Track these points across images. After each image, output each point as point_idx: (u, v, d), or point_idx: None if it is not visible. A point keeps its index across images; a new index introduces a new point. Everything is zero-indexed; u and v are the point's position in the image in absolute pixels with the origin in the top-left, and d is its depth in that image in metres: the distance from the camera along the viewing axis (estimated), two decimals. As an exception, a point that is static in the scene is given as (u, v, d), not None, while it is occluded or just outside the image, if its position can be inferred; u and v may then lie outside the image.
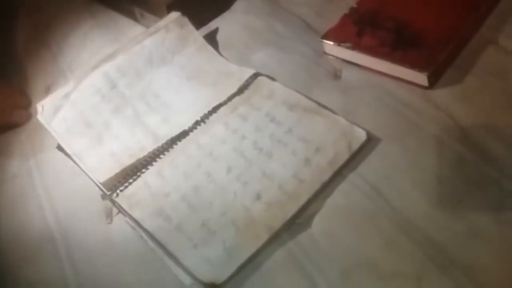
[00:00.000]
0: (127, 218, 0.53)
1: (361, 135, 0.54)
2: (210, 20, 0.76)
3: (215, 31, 0.74)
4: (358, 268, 0.46)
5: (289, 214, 0.49)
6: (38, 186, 0.63)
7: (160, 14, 0.74)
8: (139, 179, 0.56)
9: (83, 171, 0.60)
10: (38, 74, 0.81)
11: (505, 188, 0.47)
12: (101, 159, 0.60)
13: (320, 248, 0.48)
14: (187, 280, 0.47)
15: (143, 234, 0.51)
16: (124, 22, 0.81)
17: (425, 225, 0.47)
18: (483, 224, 0.45)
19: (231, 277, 0.47)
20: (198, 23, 0.73)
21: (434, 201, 0.48)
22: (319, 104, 0.58)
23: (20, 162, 0.67)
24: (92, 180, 0.58)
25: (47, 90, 0.76)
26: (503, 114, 0.53)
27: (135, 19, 0.80)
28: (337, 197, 0.51)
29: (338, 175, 0.52)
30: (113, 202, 0.55)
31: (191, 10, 0.72)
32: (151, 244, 0.50)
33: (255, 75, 0.63)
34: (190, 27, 0.70)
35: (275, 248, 0.49)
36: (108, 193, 0.56)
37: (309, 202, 0.50)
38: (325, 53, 0.66)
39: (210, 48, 0.69)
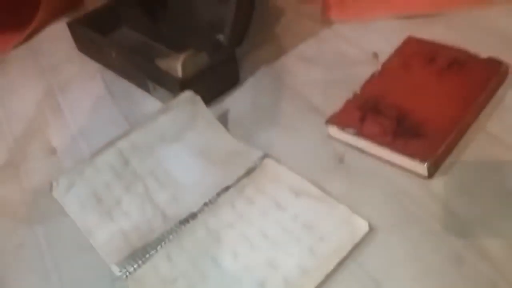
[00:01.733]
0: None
1: (364, 226, 0.56)
2: (220, 96, 0.79)
3: (224, 109, 0.77)
4: None
5: (293, 306, 0.51)
6: (47, 258, 0.65)
7: (172, 89, 0.77)
8: (148, 262, 0.58)
9: (94, 248, 0.62)
10: (43, 134, 0.84)
11: (502, 289, 0.49)
12: (111, 237, 0.62)
13: None
14: None
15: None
16: (138, 93, 0.85)
17: (424, 323, 0.48)
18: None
19: None
20: (209, 99, 0.77)
21: (433, 297, 0.50)
22: (323, 191, 0.61)
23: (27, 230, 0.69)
24: (103, 258, 0.61)
25: (53, 152, 0.79)
26: (503, 211, 0.55)
27: (147, 90, 0.83)
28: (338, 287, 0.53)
29: (340, 265, 0.54)
30: (123, 285, 0.57)
31: (203, 86, 0.76)
32: (159, 331, 0.52)
33: (263, 157, 0.66)
34: (202, 104, 0.73)
35: None
36: (118, 274, 0.58)
37: (312, 292, 0.52)
38: (329, 136, 0.69)
39: (220, 125, 0.72)
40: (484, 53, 0.70)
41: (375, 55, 0.79)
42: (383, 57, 0.77)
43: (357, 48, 0.83)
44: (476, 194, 0.57)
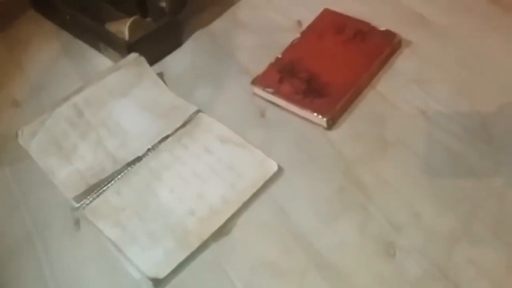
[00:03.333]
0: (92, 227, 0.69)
1: (274, 166, 0.71)
2: (163, 57, 0.91)
3: (167, 68, 0.89)
4: (262, 266, 0.63)
5: (216, 227, 0.66)
6: (16, 193, 0.77)
7: (120, 50, 0.88)
8: (101, 195, 0.72)
9: (56, 185, 0.75)
10: (6, 88, 0.94)
11: (370, 212, 0.65)
12: (70, 176, 0.75)
13: (236, 251, 0.65)
14: (137, 275, 0.64)
15: (105, 240, 0.67)
16: (90, 52, 0.95)
17: (312, 236, 0.65)
18: (351, 237, 0.64)
19: (170, 274, 0.64)
20: (153, 59, 0.88)
21: (320, 218, 0.66)
22: (246, 139, 0.75)
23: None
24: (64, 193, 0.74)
25: (16, 104, 0.90)
26: (378, 154, 0.71)
27: (99, 50, 0.94)
28: (252, 213, 0.69)
29: (255, 196, 0.70)
30: (81, 213, 0.71)
31: (147, 48, 0.87)
32: (111, 247, 0.66)
33: (197, 111, 0.80)
34: (146, 65, 0.85)
35: (203, 250, 0.66)
36: (77, 206, 0.71)
37: (232, 217, 0.68)
38: (254, 94, 0.82)
39: (162, 83, 0.85)
40: (385, 26, 0.84)
41: (299, 23, 0.92)
42: (305, 26, 0.90)
43: (285, 16, 0.95)
44: (361, 141, 0.73)
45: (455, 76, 0.78)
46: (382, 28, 0.84)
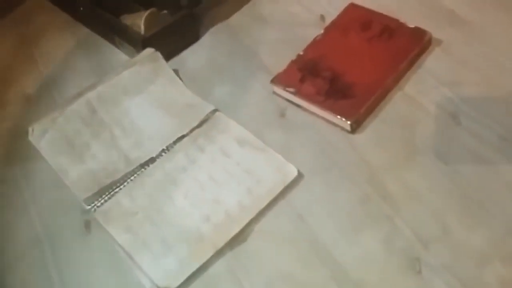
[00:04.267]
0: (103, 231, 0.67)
1: (293, 171, 0.67)
2: (180, 52, 0.88)
3: (183, 63, 0.86)
4: (279, 279, 0.60)
5: (232, 235, 0.63)
6: (26, 193, 0.75)
7: (135, 45, 0.85)
8: (113, 197, 0.69)
9: (67, 185, 0.72)
10: (19, 81, 0.92)
11: (396, 224, 0.61)
12: (81, 176, 0.72)
13: (252, 262, 0.62)
14: (147, 284, 0.61)
15: (116, 245, 0.65)
16: (105, 46, 0.92)
17: (333, 248, 0.61)
18: (374, 250, 0.60)
19: (182, 284, 0.61)
20: (169, 54, 0.85)
21: (342, 228, 0.62)
22: (264, 141, 0.72)
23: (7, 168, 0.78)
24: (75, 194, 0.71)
25: (28, 99, 0.87)
26: (404, 160, 0.67)
27: (114, 45, 0.91)
28: (270, 220, 0.65)
29: (272, 203, 0.66)
30: (91, 216, 0.68)
31: (164, 42, 0.84)
32: (121, 253, 0.64)
33: (214, 111, 0.76)
34: (162, 61, 0.82)
35: (217, 259, 0.63)
36: (87, 208, 0.69)
37: (248, 224, 0.64)
38: (274, 93, 0.79)
39: (178, 80, 0.81)
40: (414, 23, 0.80)
41: (322, 18, 0.88)
42: (329, 20, 0.86)
43: (307, 10, 0.91)
44: (386, 147, 0.69)
45: (490, 78, 0.72)
46: (411, 25, 0.79)
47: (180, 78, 0.83)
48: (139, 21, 0.84)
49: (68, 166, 0.73)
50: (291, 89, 0.76)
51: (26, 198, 0.74)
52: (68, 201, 0.72)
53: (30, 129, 0.76)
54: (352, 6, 0.85)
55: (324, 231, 0.63)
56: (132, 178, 0.71)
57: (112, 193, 0.70)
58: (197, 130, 0.74)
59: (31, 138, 0.76)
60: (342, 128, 0.72)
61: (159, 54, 0.82)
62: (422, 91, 0.74)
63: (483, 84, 0.72)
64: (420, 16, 0.81)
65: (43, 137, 0.76)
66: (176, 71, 0.83)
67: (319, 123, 0.74)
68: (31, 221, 0.71)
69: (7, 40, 1.00)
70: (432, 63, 0.77)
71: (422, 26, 0.79)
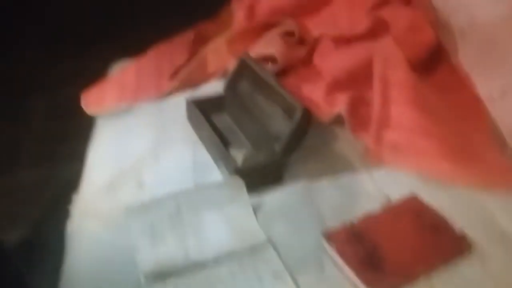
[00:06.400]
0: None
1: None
2: (261, 189, 1.05)
3: (261, 199, 1.04)
4: None
5: None
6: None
7: (230, 171, 1.06)
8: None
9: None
10: (139, 172, 1.15)
11: None
12: (149, 255, 0.90)
13: None
14: None
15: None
16: (210, 164, 1.14)
17: None
18: None
19: None
20: (253, 188, 1.03)
21: None
22: (296, 283, 0.84)
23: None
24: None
25: (141, 186, 1.10)
26: None
27: (216, 163, 1.13)
28: None
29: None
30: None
31: (251, 177, 1.03)
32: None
33: (265, 241, 0.92)
34: (244, 191, 1.01)
35: None
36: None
37: None
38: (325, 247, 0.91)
39: (250, 210, 0.99)
40: (459, 223, 0.90)
41: (388, 198, 1.01)
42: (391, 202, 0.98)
43: (376, 188, 1.05)
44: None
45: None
46: (458, 231, 0.89)
47: (254, 210, 0.99)
48: (240, 155, 1.06)
49: (143, 246, 0.92)
50: (334, 247, 0.88)
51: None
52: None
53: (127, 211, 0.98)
54: (413, 197, 0.98)
55: None
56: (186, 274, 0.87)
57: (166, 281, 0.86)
58: (242, 251, 0.90)
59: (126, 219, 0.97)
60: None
61: (243, 186, 1.00)
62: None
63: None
64: (466, 220, 0.91)
65: (137, 219, 0.96)
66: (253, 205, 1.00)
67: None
68: None
69: (143, 138, 1.28)
70: (466, 269, 0.84)
71: (467, 229, 0.89)
